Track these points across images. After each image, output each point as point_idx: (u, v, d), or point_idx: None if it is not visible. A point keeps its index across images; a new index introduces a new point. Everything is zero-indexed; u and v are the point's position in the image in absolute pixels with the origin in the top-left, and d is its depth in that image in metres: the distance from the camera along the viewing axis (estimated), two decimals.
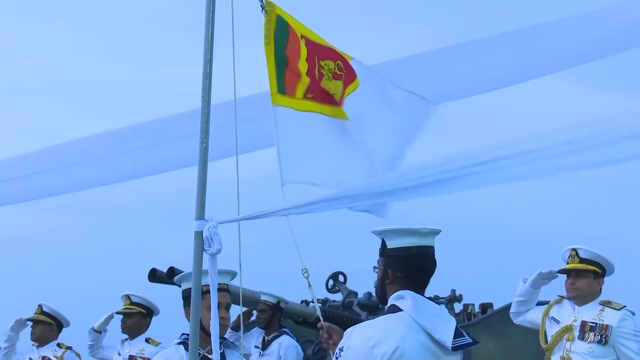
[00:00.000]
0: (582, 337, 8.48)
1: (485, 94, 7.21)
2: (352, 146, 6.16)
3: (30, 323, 11.52)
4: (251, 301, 11.65)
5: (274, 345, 11.55)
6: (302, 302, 13.16)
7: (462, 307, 13.93)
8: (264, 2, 5.92)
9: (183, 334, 6.43)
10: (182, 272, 9.73)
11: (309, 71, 6.11)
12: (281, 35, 6.03)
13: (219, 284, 5.48)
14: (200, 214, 5.41)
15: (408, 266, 5.11)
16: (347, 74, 6.27)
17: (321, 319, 5.71)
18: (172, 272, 11.71)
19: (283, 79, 6.01)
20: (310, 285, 5.72)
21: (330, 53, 6.26)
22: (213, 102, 5.61)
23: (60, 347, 11.39)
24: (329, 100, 6.20)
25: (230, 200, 5.59)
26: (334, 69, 6.22)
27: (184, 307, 6.35)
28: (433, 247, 5.20)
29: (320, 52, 6.22)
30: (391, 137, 6.35)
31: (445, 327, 5.02)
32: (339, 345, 5.00)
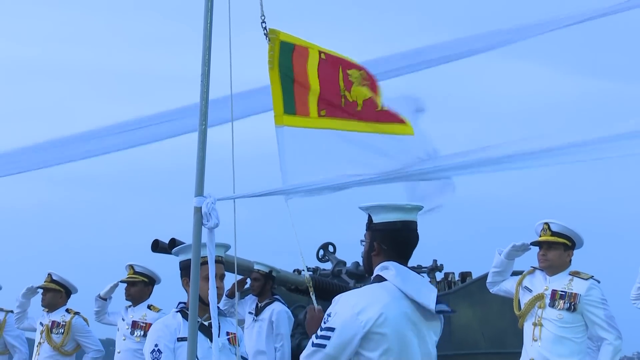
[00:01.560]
0: (552, 305, 8.52)
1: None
2: (365, 157, 6.12)
3: (40, 290, 11.56)
4: (245, 270, 11.67)
5: (267, 312, 11.58)
6: (294, 271, 13.20)
7: (442, 276, 13.96)
8: (267, 30, 5.92)
9: (180, 302, 6.47)
10: (183, 243, 9.79)
11: (325, 88, 6.08)
12: (285, 59, 5.99)
13: (215, 256, 5.52)
14: (200, 191, 5.41)
15: (392, 239, 5.17)
16: (370, 83, 6.25)
17: (311, 290, 5.76)
18: (174, 243, 11.70)
19: (293, 100, 5.99)
20: (308, 280, 5.80)
21: (353, 65, 6.23)
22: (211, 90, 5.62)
23: (69, 313, 11.42)
24: (347, 114, 6.16)
25: (229, 178, 5.64)
26: (360, 77, 6.20)
27: (182, 277, 6.40)
28: (416, 222, 5.24)
29: (343, 63, 6.19)
30: None
31: (428, 294, 5.07)
32: (327, 311, 5.03)
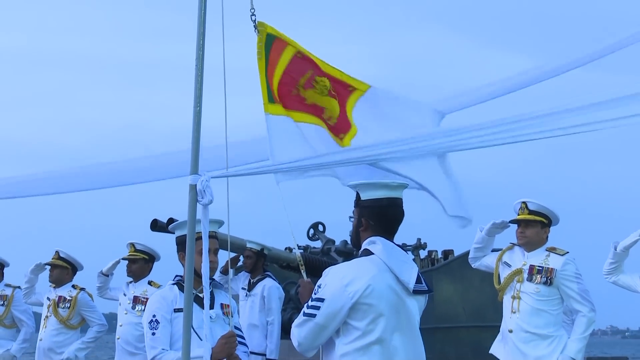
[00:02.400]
0: (530, 279, 8.52)
1: None
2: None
3: (48, 267, 11.57)
4: (238, 248, 11.67)
5: (258, 287, 11.58)
6: (285, 249, 13.19)
7: (426, 254, 13.99)
8: (256, 22, 5.92)
9: (176, 275, 6.45)
10: None
11: (285, 79, 6.11)
12: (267, 50, 6.03)
13: (209, 231, 5.49)
14: (195, 169, 5.40)
15: (379, 215, 5.17)
16: (340, 97, 6.26)
17: (302, 268, 5.75)
18: (171, 222, 11.71)
19: (270, 89, 6.03)
20: (300, 262, 5.79)
21: (328, 75, 6.25)
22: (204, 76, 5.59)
23: (75, 288, 11.46)
24: (312, 112, 6.18)
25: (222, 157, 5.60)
26: (330, 88, 6.21)
27: (178, 251, 6.39)
28: (401, 198, 5.26)
29: (317, 68, 6.20)
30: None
31: (409, 272, 5.08)
32: (317, 283, 5.05)
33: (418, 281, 5.07)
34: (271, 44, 6.04)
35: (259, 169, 5.50)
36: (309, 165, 5.61)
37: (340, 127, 6.26)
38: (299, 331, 5.03)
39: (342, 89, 6.30)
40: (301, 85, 6.15)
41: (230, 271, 11.56)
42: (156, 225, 12.04)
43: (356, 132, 6.26)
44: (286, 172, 5.67)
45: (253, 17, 5.95)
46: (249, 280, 11.73)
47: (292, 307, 12.60)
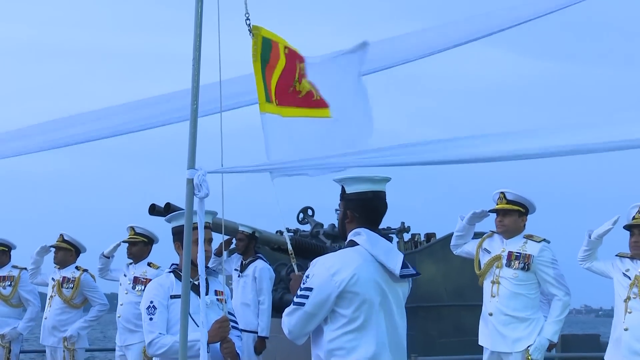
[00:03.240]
0: (508, 265, 8.54)
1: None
2: (331, 134, 6.13)
3: (53, 249, 11.58)
4: (231, 231, 11.66)
5: (250, 269, 11.57)
6: (276, 232, 13.16)
7: (410, 237, 13.96)
8: (251, 27, 5.91)
9: (173, 264, 6.45)
10: (177, 207, 9.73)
11: (283, 79, 6.10)
12: (265, 52, 6.02)
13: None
14: (192, 164, 5.38)
15: (364, 208, 5.17)
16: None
17: (291, 253, 5.73)
18: (169, 207, 11.69)
19: (267, 90, 6.02)
20: (289, 242, 5.78)
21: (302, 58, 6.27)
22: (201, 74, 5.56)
23: (78, 270, 11.52)
24: (306, 104, 6.18)
25: (219, 152, 5.59)
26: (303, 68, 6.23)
27: (174, 241, 6.39)
28: (384, 191, 5.26)
29: (300, 58, 6.21)
30: (353, 99, 6.32)
31: (395, 259, 5.08)
32: (306, 274, 5.06)
33: (404, 266, 5.08)
34: (270, 47, 6.04)
35: (254, 167, 5.46)
36: (301, 166, 5.59)
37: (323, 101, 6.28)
38: (289, 319, 5.04)
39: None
40: (297, 80, 6.16)
41: (224, 253, 11.57)
42: (154, 210, 12.02)
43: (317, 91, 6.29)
44: (279, 169, 5.64)
45: (248, 22, 5.93)
46: (242, 262, 11.72)
47: (282, 287, 12.59)
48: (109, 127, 7.24)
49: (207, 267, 5.77)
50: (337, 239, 12.98)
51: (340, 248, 5.32)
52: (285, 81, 6.09)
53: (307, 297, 4.93)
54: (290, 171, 5.61)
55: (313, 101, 6.20)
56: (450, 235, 9.32)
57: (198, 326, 5.61)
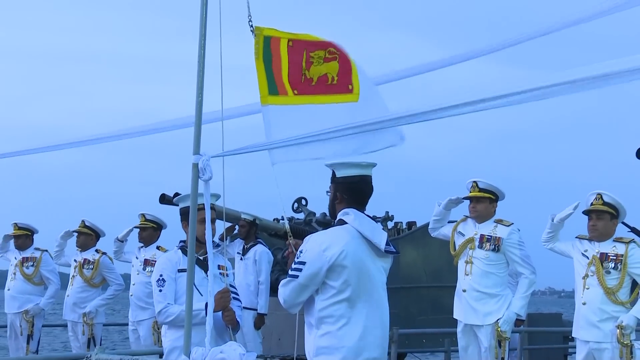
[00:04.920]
0: (480, 246, 8.56)
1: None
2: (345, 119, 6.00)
3: (75, 234, 11.58)
4: (234, 218, 11.66)
5: (251, 252, 11.57)
6: (274, 219, 13.16)
7: (393, 225, 13.96)
8: (253, 27, 5.89)
9: (180, 241, 6.45)
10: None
11: (292, 70, 6.00)
12: (267, 49, 5.96)
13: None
14: (197, 150, 5.39)
15: (352, 190, 5.18)
16: (340, 55, 6.14)
17: (290, 236, 5.73)
18: (177, 196, 11.70)
19: (274, 83, 5.95)
20: (287, 225, 5.79)
21: (320, 45, 6.14)
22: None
23: (98, 252, 11.58)
24: (324, 90, 6.06)
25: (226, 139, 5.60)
26: (325, 54, 6.11)
27: (181, 221, 6.39)
28: (370, 175, 5.28)
29: (309, 46, 6.11)
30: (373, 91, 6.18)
31: (380, 236, 5.10)
32: (299, 249, 5.07)
33: (387, 244, 5.10)
34: (270, 44, 6.00)
35: (251, 147, 5.45)
36: (299, 143, 5.51)
37: (342, 83, 6.11)
38: (284, 290, 5.05)
39: (337, 48, 6.17)
40: (305, 68, 6.06)
41: (227, 238, 11.56)
42: (164, 199, 12.02)
43: (355, 66, 6.13)
44: (278, 148, 5.59)
45: (250, 23, 5.91)
46: (243, 246, 11.72)
47: (278, 269, 12.57)
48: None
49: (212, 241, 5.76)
50: (328, 226, 12.86)
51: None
52: (295, 72, 6.01)
53: (300, 270, 4.95)
54: (290, 155, 5.55)
55: (329, 85, 6.04)
56: (428, 224, 9.32)
57: (202, 296, 5.62)
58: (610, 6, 6.30)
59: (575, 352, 8.46)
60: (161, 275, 6.22)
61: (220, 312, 6.02)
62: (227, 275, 6.31)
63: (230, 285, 6.25)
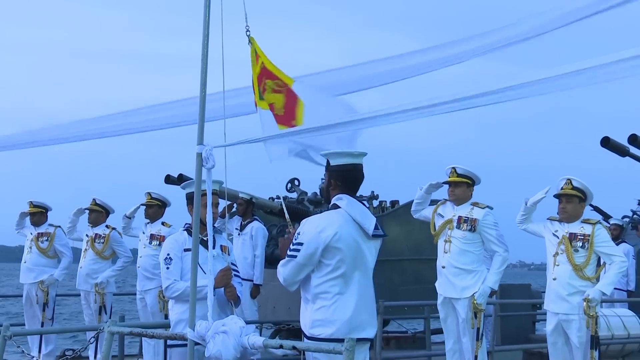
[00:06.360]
0: (458, 227, 8.58)
1: None
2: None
3: (87, 211, 11.57)
4: (233, 197, 11.65)
5: (248, 228, 11.57)
6: (269, 198, 13.14)
7: (377, 203, 13.96)
8: (250, 37, 5.89)
9: (186, 223, 6.43)
10: (188, 177, 9.71)
11: (260, 86, 6.11)
12: (254, 60, 6.05)
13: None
14: (200, 140, 5.37)
15: (345, 178, 5.20)
16: (287, 90, 6.22)
17: (287, 217, 5.72)
18: (181, 177, 11.71)
19: (259, 88, 6.02)
20: (284, 208, 5.79)
21: (273, 75, 6.23)
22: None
23: (108, 228, 11.53)
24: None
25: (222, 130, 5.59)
26: (273, 86, 6.18)
27: (187, 205, 6.37)
28: (362, 164, 5.29)
29: (267, 74, 6.20)
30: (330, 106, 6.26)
31: (369, 221, 5.14)
32: (297, 231, 5.11)
33: (376, 228, 5.13)
34: (255, 57, 6.07)
35: (249, 139, 5.45)
36: (294, 135, 5.54)
37: (287, 117, 6.22)
38: (283, 269, 5.08)
39: (283, 82, 6.27)
40: (261, 92, 6.17)
41: (227, 215, 11.55)
42: (169, 179, 12.14)
43: (303, 104, 6.21)
44: (275, 147, 5.63)
45: (248, 33, 5.91)
46: (241, 223, 11.72)
47: (273, 244, 12.55)
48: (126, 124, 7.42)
49: (213, 226, 5.75)
50: (319, 204, 12.96)
51: (321, 212, 5.33)
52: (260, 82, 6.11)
53: (298, 250, 4.99)
54: (288, 149, 5.58)
55: (276, 115, 6.20)
56: (411, 202, 9.31)
57: (206, 274, 5.61)
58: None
59: (543, 320, 8.51)
60: (168, 254, 6.21)
61: (223, 289, 6.02)
62: (228, 254, 6.31)
63: (232, 264, 6.25)
